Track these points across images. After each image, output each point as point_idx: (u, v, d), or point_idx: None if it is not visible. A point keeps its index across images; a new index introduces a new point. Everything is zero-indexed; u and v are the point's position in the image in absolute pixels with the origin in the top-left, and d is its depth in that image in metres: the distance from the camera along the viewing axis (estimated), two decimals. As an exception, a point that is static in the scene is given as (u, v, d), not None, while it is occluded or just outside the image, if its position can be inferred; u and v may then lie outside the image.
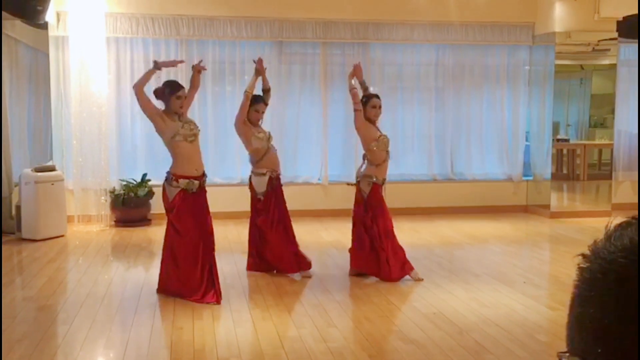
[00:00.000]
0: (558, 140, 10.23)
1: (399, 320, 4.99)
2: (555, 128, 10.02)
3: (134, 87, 5.48)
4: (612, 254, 0.68)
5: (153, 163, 8.95)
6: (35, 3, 7.43)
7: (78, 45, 8.53)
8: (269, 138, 6.22)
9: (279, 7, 9.09)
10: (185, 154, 5.43)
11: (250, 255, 6.32)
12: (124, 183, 8.78)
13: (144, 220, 8.72)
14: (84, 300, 5.41)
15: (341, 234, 7.62)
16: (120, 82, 8.95)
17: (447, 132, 9.91)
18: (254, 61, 6.24)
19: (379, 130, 6.15)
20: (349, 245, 6.29)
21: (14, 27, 8.26)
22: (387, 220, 6.10)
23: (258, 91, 6.25)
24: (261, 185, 6.13)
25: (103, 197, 8.67)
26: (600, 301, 0.68)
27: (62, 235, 7.94)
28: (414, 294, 5.67)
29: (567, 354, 0.72)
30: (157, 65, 5.49)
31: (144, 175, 8.80)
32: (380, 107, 6.16)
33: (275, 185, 6.19)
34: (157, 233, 8.07)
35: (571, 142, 10.78)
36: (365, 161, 6.16)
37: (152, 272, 6.23)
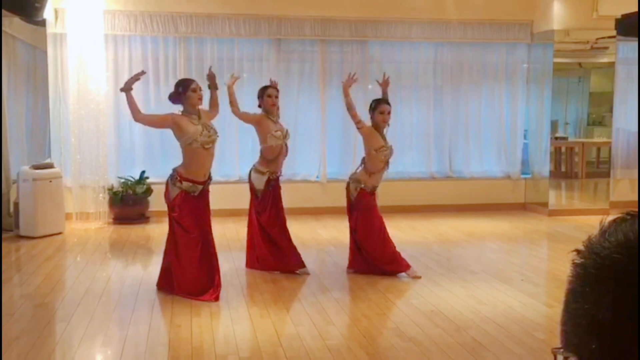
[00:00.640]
0: (556, 138, 10.23)
1: (396, 318, 4.99)
2: (554, 126, 10.02)
3: (136, 121, 5.42)
4: (607, 249, 0.68)
5: (151, 160, 8.96)
6: (34, 0, 7.41)
7: (76, 43, 8.52)
8: (286, 135, 6.16)
9: (277, 5, 9.08)
10: (198, 160, 5.38)
11: (248, 252, 6.32)
12: (122, 180, 8.77)
13: (142, 218, 8.71)
14: (82, 297, 5.41)
15: (339, 231, 7.62)
16: (119, 79, 8.92)
17: (446, 130, 9.90)
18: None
19: (384, 139, 5.98)
20: (347, 242, 6.29)
21: (12, 24, 8.25)
22: (371, 229, 6.00)
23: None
24: (260, 182, 6.13)
25: (101, 195, 8.66)
26: (594, 297, 0.68)
27: (60, 233, 7.94)
28: (411, 291, 5.67)
29: (562, 350, 0.72)
30: (125, 88, 5.31)
31: (142, 172, 8.79)
32: (389, 112, 5.96)
33: (273, 186, 6.18)
34: (155, 230, 8.07)
35: (569, 140, 10.78)
36: (362, 165, 6.09)
37: (150, 270, 6.23)
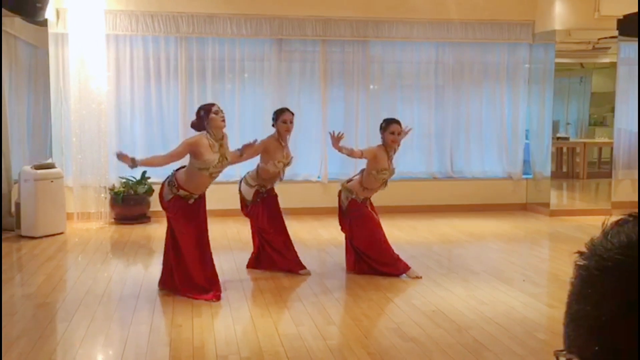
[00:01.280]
0: (558, 138, 10.22)
1: (397, 318, 4.99)
2: (555, 126, 10.01)
3: (162, 165, 5.49)
4: (609, 251, 0.68)
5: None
6: (35, 0, 7.41)
7: (77, 43, 8.52)
8: (288, 164, 6.07)
9: (278, 5, 9.08)
10: (199, 181, 5.36)
11: (253, 252, 6.33)
12: (124, 180, 8.78)
13: (143, 218, 8.72)
14: (83, 297, 5.41)
15: (340, 232, 7.60)
16: (120, 79, 8.95)
17: (447, 130, 9.90)
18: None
19: (390, 161, 5.90)
20: (348, 243, 6.31)
21: (14, 24, 8.25)
22: (367, 233, 6.00)
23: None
24: (248, 194, 6.10)
25: (102, 195, 8.67)
26: (597, 298, 0.68)
27: (62, 233, 7.94)
28: (412, 291, 5.67)
29: (564, 352, 0.72)
30: (135, 164, 5.20)
31: (144, 172, 8.78)
32: (399, 133, 5.85)
33: (263, 198, 6.10)
34: (156, 230, 8.07)
35: (571, 140, 10.76)
36: (360, 175, 6.04)
37: (151, 270, 6.23)
